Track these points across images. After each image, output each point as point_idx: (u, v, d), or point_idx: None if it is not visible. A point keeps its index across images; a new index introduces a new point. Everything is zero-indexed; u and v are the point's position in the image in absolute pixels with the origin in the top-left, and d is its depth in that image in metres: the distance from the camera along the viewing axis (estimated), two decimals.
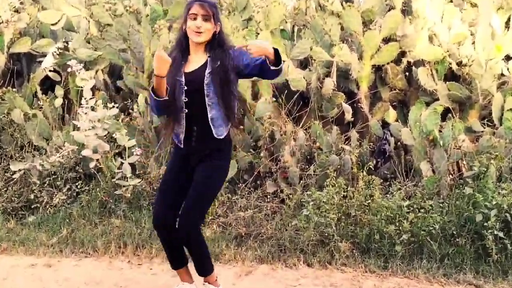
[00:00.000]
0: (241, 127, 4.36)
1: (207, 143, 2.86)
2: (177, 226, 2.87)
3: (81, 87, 4.42)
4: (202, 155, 2.87)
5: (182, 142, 2.88)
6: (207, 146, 2.86)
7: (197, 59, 2.85)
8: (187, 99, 2.80)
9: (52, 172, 4.47)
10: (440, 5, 4.66)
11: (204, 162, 2.88)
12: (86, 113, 4.27)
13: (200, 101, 2.80)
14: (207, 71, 2.79)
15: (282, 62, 2.69)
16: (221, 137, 2.85)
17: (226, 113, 2.84)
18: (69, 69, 4.60)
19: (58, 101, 4.90)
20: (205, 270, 3.02)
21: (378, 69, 4.81)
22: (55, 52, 5.13)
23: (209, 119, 2.81)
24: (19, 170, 4.43)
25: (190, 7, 2.78)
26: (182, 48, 2.86)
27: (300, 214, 3.93)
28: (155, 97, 2.73)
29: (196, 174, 2.89)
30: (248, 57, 2.73)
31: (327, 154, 4.27)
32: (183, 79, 2.81)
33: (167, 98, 2.73)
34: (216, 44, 2.84)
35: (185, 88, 2.80)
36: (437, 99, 4.60)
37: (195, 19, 2.75)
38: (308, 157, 4.42)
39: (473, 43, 4.56)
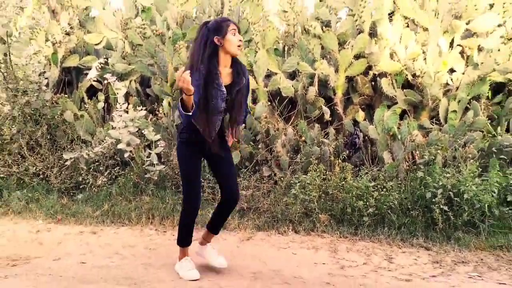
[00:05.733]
0: (244, 124, 4.35)
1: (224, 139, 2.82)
2: (228, 196, 2.77)
3: (117, 94, 4.43)
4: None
5: (212, 137, 2.64)
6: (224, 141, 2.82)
7: (226, 72, 2.61)
8: (226, 106, 2.64)
9: (96, 160, 4.47)
10: (399, 29, 4.64)
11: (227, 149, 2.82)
12: (120, 115, 4.27)
13: (226, 108, 2.66)
14: (237, 87, 2.63)
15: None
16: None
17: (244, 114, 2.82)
18: (105, 81, 4.60)
19: (100, 105, 4.89)
20: None
21: (350, 80, 4.79)
22: (98, 66, 5.12)
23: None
24: (70, 158, 4.43)
25: (229, 23, 2.51)
26: (214, 59, 2.53)
27: (289, 193, 3.94)
28: (186, 113, 2.42)
29: (225, 158, 2.77)
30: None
31: (310, 146, 4.27)
32: (224, 89, 2.58)
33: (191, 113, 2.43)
34: (237, 62, 2.65)
35: (227, 97, 2.61)
36: (396, 103, 4.59)
37: (234, 34, 2.49)
38: (295, 148, 4.41)
39: (425, 59, 4.54)
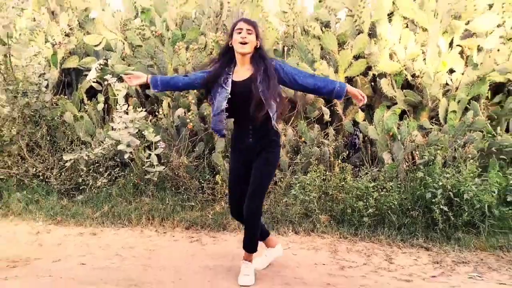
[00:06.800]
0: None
1: (262, 138, 2.69)
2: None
3: (116, 95, 4.45)
4: (259, 149, 2.70)
5: (224, 135, 2.81)
6: (262, 141, 2.70)
7: (243, 70, 2.68)
8: (228, 105, 2.62)
9: (96, 161, 4.49)
10: (398, 30, 4.66)
11: (261, 154, 2.69)
12: (120, 117, 4.29)
13: (246, 106, 2.58)
14: (257, 82, 2.57)
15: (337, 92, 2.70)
16: (274, 128, 2.69)
17: (274, 110, 2.65)
18: (105, 82, 4.62)
19: (100, 106, 4.91)
20: (252, 247, 2.85)
21: (350, 80, 4.80)
22: (97, 67, 5.13)
23: (266, 117, 2.62)
24: (70, 159, 4.44)
25: (236, 24, 2.64)
26: (226, 60, 2.69)
27: (289, 193, 3.96)
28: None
29: (256, 164, 2.69)
30: (286, 71, 2.63)
31: (310, 147, 4.28)
32: (229, 88, 2.63)
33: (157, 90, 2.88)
34: (258, 57, 2.65)
35: (229, 96, 2.63)
36: (396, 103, 4.61)
37: (240, 32, 2.60)
38: (295, 148, 4.43)
39: (424, 59, 4.56)
